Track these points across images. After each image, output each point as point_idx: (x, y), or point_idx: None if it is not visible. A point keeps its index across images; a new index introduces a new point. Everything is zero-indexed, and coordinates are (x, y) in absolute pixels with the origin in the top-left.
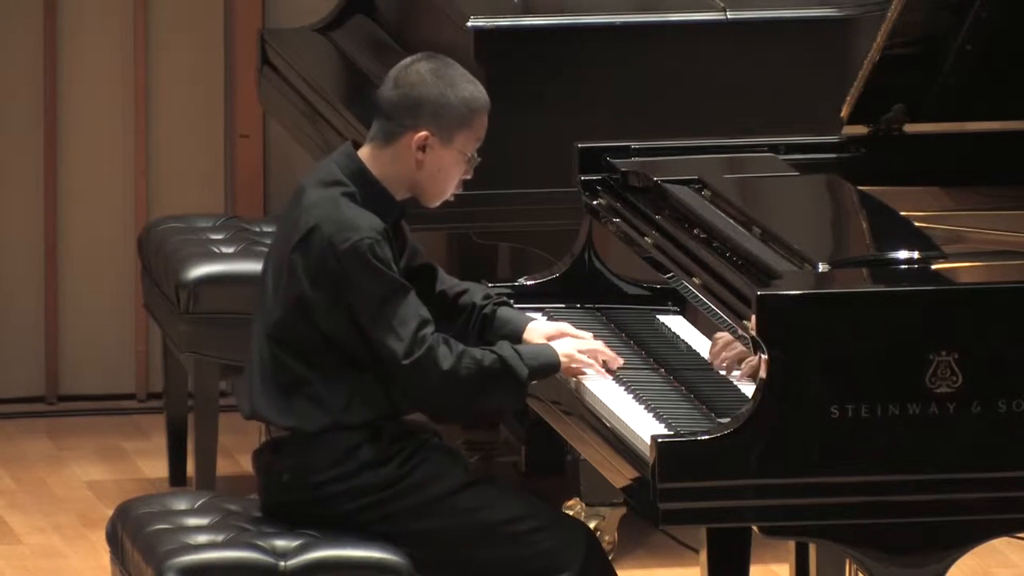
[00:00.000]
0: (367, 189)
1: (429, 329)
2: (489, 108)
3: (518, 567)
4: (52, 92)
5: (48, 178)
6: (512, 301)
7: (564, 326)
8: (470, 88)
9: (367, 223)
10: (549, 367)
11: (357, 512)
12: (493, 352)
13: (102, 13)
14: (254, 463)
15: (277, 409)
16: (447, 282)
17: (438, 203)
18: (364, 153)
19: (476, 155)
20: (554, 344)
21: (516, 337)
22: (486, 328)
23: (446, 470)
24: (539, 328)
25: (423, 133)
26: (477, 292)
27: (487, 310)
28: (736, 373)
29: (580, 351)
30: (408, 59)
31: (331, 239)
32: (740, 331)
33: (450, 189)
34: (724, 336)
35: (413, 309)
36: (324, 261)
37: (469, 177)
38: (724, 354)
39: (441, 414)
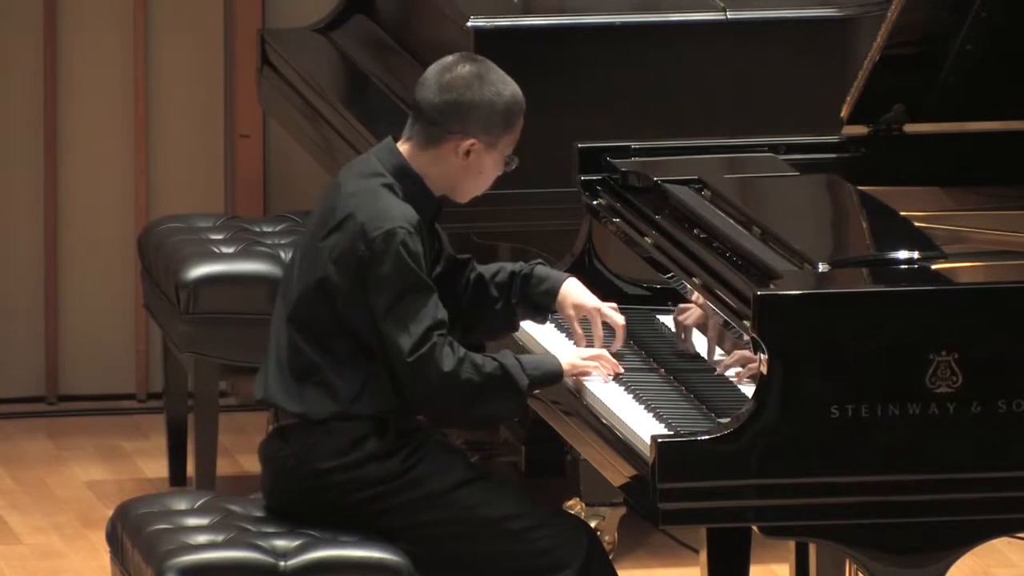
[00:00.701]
0: (407, 184)
1: (440, 332)
2: (524, 110)
3: (518, 564)
4: (52, 92)
5: (48, 178)
6: (543, 261)
7: (600, 304)
8: (511, 90)
9: (402, 214)
10: (551, 377)
11: (359, 504)
12: (495, 359)
13: (102, 13)
14: (260, 453)
15: (288, 395)
16: (487, 267)
17: (468, 200)
18: (406, 150)
19: (513, 156)
20: (557, 354)
21: (553, 293)
22: (525, 287)
23: (448, 466)
24: (576, 293)
25: (472, 141)
26: (510, 267)
27: (524, 271)
28: (729, 367)
29: (583, 359)
30: (448, 61)
31: (364, 226)
32: (740, 331)
33: (485, 188)
34: (685, 308)
35: (431, 309)
36: (354, 246)
37: (508, 170)
38: (687, 321)
39: (438, 416)
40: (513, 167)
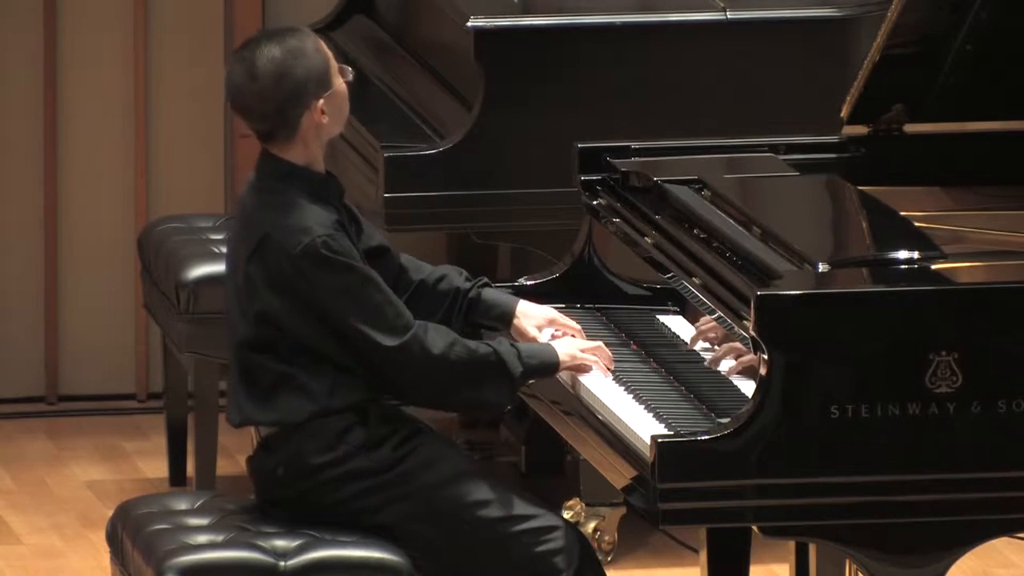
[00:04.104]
0: (302, 181)
1: (406, 315)
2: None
3: (512, 568)
4: (52, 92)
5: (48, 178)
6: (491, 282)
7: (554, 313)
8: (300, 39)
9: (315, 220)
10: (547, 367)
11: (353, 499)
12: (489, 344)
13: (102, 13)
14: (248, 469)
15: (263, 409)
16: (424, 270)
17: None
18: (280, 151)
19: (344, 67)
20: (555, 344)
21: (508, 318)
22: (472, 311)
23: (443, 457)
24: (532, 312)
25: (318, 105)
26: (455, 277)
27: (472, 294)
28: (728, 367)
29: (582, 350)
30: (237, 70)
31: (283, 245)
32: (740, 331)
33: (348, 110)
34: (707, 321)
35: (384, 296)
36: (280, 268)
37: (350, 79)
38: (711, 341)
39: (426, 401)
40: (351, 76)
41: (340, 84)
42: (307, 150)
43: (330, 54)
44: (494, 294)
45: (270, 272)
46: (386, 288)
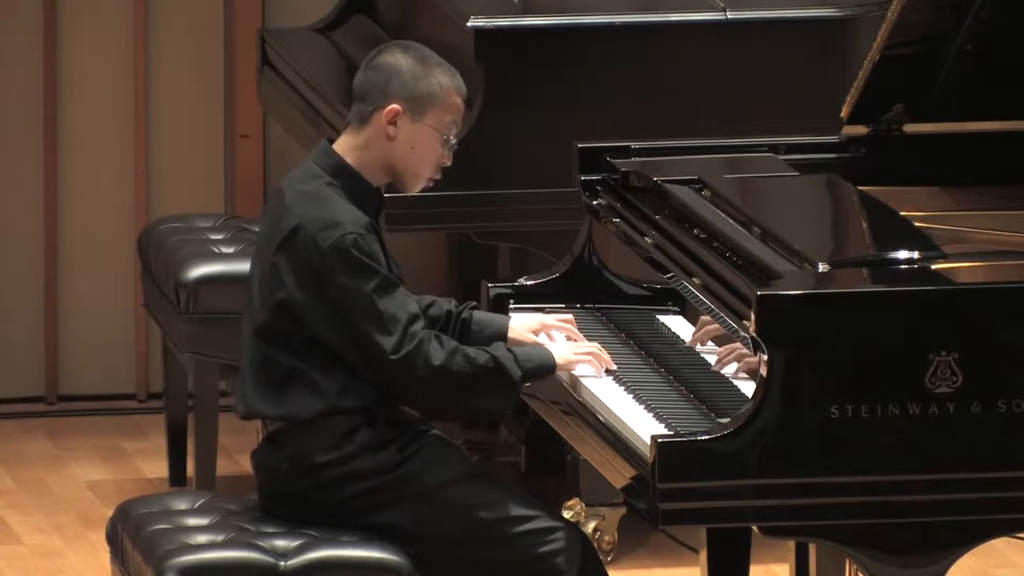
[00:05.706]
0: (347, 182)
1: (419, 325)
2: (465, 94)
3: (514, 570)
4: (52, 92)
5: (48, 178)
6: (478, 305)
7: (543, 317)
8: (441, 70)
9: (349, 218)
10: (544, 369)
11: (355, 498)
12: (487, 352)
13: (102, 13)
14: (252, 462)
15: (271, 402)
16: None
17: (418, 187)
18: (341, 144)
19: (454, 139)
20: (550, 346)
21: (501, 336)
22: (464, 333)
23: (446, 459)
24: (523, 323)
25: (393, 107)
26: (444, 302)
27: (464, 315)
28: (730, 369)
29: (576, 353)
30: (382, 45)
31: (315, 237)
32: (740, 331)
33: (427, 170)
34: (706, 320)
35: (401, 304)
36: (308, 260)
37: (448, 163)
38: (709, 342)
39: (430, 411)
40: (447, 160)
41: (429, 132)
42: (367, 153)
43: (456, 116)
44: (484, 314)
45: (298, 264)
46: (405, 299)
